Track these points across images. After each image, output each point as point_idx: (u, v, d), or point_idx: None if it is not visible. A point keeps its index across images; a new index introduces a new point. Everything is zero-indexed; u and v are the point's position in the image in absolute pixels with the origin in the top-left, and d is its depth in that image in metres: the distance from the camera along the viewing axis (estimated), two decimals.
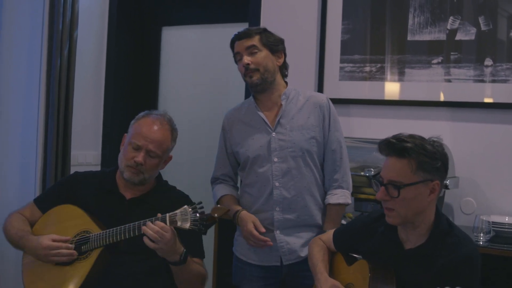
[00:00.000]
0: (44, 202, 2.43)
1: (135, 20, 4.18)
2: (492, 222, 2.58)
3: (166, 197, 2.36)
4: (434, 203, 1.90)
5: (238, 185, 2.60)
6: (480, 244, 2.51)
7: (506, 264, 2.51)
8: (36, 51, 3.59)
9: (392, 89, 3.16)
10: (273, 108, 2.49)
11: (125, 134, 2.41)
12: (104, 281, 2.24)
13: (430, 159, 1.83)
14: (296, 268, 2.43)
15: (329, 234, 2.21)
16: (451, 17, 3.01)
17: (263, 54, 2.44)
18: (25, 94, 3.63)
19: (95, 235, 2.23)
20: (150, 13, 4.25)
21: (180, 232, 2.16)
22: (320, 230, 2.45)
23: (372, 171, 2.77)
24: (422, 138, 1.89)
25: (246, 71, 2.43)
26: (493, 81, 2.91)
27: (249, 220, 2.39)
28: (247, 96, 3.34)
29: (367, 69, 3.21)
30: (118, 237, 2.18)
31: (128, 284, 2.23)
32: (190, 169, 4.02)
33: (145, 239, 2.09)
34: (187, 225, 2.06)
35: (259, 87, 2.45)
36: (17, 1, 3.59)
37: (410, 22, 3.10)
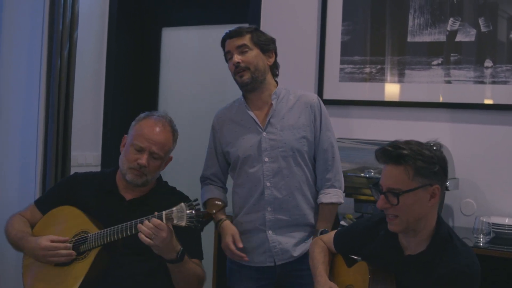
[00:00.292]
0: (44, 204, 2.43)
1: (135, 20, 4.18)
2: (492, 223, 2.58)
3: (166, 198, 2.36)
4: (435, 208, 1.89)
5: (229, 184, 2.60)
6: (480, 245, 2.52)
7: (506, 265, 2.51)
8: (36, 52, 3.59)
9: (392, 90, 3.16)
10: (264, 107, 2.48)
11: (125, 135, 2.41)
12: (103, 282, 2.24)
13: (427, 164, 1.82)
14: (289, 267, 2.43)
15: (330, 235, 2.21)
16: (451, 19, 3.01)
17: (253, 53, 2.43)
18: (25, 95, 3.63)
19: (93, 235, 2.23)
20: (150, 13, 4.25)
21: (179, 232, 2.17)
22: (313, 229, 2.45)
23: (372, 172, 2.77)
24: (419, 143, 1.88)
25: (236, 70, 2.43)
26: (493, 82, 2.92)
27: (229, 233, 2.40)
28: None
29: (367, 70, 3.21)
30: (116, 236, 2.18)
31: (127, 286, 2.24)
32: (190, 169, 4.00)
33: (140, 235, 2.09)
34: (183, 222, 2.07)
35: (249, 86, 2.44)
36: (17, 1, 3.59)
37: (410, 23, 3.10)
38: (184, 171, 3.90)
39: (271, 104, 2.46)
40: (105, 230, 2.21)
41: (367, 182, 2.78)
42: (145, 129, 2.32)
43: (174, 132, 2.38)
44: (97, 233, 2.22)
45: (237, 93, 2.57)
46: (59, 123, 3.54)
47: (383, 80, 3.17)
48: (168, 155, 2.38)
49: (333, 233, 2.21)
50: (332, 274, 2.13)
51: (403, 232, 1.91)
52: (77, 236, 2.28)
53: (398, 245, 1.95)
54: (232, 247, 2.37)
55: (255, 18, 3.50)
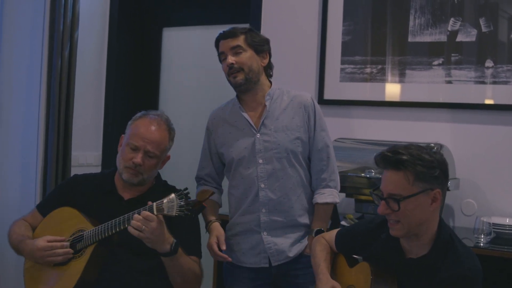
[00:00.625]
0: (45, 207, 2.44)
1: (136, 21, 4.18)
2: (493, 223, 2.58)
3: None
4: (437, 212, 1.88)
5: (225, 185, 2.60)
6: (480, 245, 2.52)
7: (506, 266, 2.51)
8: (37, 52, 3.59)
9: (392, 90, 3.16)
10: (258, 108, 2.46)
11: (123, 135, 2.41)
12: (102, 279, 2.24)
13: (427, 169, 1.81)
14: (285, 268, 2.42)
15: (331, 234, 2.20)
16: (452, 19, 3.01)
17: (247, 54, 2.41)
18: (25, 95, 3.63)
19: (88, 232, 2.24)
20: (150, 14, 4.25)
21: (177, 229, 2.18)
22: (308, 229, 2.44)
23: (372, 172, 2.77)
24: (419, 148, 1.86)
25: (230, 71, 2.42)
26: (494, 82, 2.92)
27: (214, 234, 2.40)
28: None
29: (368, 70, 3.21)
30: (110, 231, 2.18)
31: (126, 282, 2.24)
32: (190, 169, 4.00)
33: (129, 228, 2.09)
34: (173, 212, 2.07)
35: (243, 87, 2.43)
36: (17, 1, 3.59)
37: (411, 23, 3.10)
38: (184, 171, 3.89)
39: (265, 105, 2.45)
40: (99, 226, 2.22)
41: (368, 182, 2.78)
42: (140, 128, 2.32)
43: (170, 131, 2.38)
44: (92, 230, 2.23)
45: None
46: (60, 123, 3.55)
47: (383, 80, 3.17)
48: (164, 153, 2.37)
49: (334, 232, 2.20)
50: (333, 274, 2.12)
51: (405, 236, 1.90)
52: (74, 235, 2.28)
53: (400, 249, 1.94)
54: (215, 248, 2.37)
55: (255, 18, 3.50)
